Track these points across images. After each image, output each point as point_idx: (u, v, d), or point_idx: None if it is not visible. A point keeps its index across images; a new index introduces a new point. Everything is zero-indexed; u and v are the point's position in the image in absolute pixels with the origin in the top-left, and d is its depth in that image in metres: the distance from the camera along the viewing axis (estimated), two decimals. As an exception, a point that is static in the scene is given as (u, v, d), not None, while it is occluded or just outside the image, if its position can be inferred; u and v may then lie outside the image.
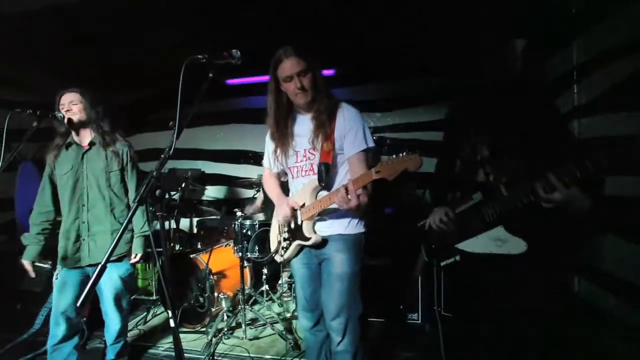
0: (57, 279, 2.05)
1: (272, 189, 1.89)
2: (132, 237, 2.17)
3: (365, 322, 2.70)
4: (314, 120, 1.63)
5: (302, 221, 1.66)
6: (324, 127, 1.60)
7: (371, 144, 1.63)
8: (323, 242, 1.66)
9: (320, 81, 1.62)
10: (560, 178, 1.20)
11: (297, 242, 1.69)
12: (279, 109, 1.70)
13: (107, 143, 2.10)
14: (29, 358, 2.50)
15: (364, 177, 1.43)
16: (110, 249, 0.94)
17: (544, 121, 1.44)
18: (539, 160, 1.34)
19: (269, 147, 1.81)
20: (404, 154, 1.33)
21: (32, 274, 2.07)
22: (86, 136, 2.10)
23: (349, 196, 1.41)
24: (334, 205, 1.53)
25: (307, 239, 1.64)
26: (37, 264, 2.08)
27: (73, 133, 2.08)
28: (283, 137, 1.70)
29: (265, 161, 1.90)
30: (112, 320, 2.20)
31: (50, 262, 2.11)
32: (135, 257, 2.15)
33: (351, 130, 1.60)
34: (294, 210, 1.70)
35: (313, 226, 1.66)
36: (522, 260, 1.40)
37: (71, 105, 2.01)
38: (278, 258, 1.82)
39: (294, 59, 1.57)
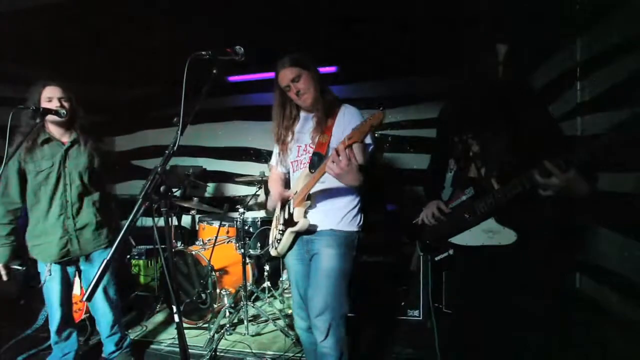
0: (50, 274, 2.04)
1: (274, 186, 1.92)
2: (115, 228, 2.21)
3: (365, 319, 2.71)
4: (314, 118, 1.71)
5: (293, 208, 1.67)
6: (322, 123, 1.67)
7: (368, 141, 1.64)
8: (312, 231, 1.67)
9: (317, 80, 1.69)
10: (556, 162, 1.21)
11: (288, 230, 1.69)
12: (283, 116, 1.80)
13: (87, 139, 2.11)
14: (32, 353, 2.51)
15: (344, 148, 1.37)
16: (115, 245, 0.95)
17: (532, 117, 1.46)
18: (529, 154, 1.36)
19: (275, 148, 1.89)
20: (370, 116, 1.36)
21: (5, 277, 2.00)
22: (68, 132, 2.08)
23: (339, 157, 1.35)
24: (320, 186, 1.57)
25: (295, 224, 1.63)
26: (11, 265, 2.03)
27: (53, 128, 2.04)
28: (286, 136, 1.79)
29: (272, 160, 1.97)
30: (102, 312, 2.21)
31: (19, 262, 2.05)
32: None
33: (351, 124, 1.58)
34: (286, 200, 1.73)
35: (304, 213, 1.66)
36: (513, 250, 1.43)
37: (63, 102, 1.98)
38: (273, 252, 1.83)
39: (287, 69, 1.66)
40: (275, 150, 1.89)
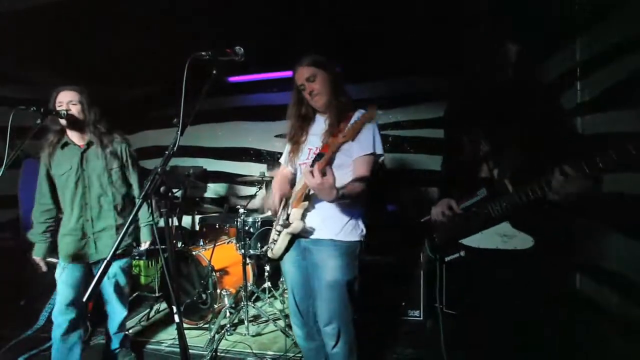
0: (62, 271, 2.08)
1: (276, 181, 1.90)
2: (135, 229, 2.28)
3: (366, 320, 2.71)
4: (327, 121, 1.68)
5: (291, 209, 1.67)
6: (334, 126, 1.64)
7: (379, 151, 1.64)
8: (309, 234, 1.67)
9: (333, 83, 1.67)
10: (579, 167, 1.18)
11: (284, 231, 1.68)
12: (298, 115, 1.77)
13: (104, 144, 2.13)
14: (34, 354, 2.52)
15: (332, 145, 1.44)
16: (116, 244, 0.95)
17: (545, 116, 1.43)
18: (543, 154, 1.34)
19: (286, 147, 1.88)
20: (363, 112, 1.36)
21: (45, 268, 2.13)
22: (83, 136, 2.12)
23: (313, 174, 1.38)
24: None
25: (289, 225, 1.63)
26: (48, 259, 2.14)
27: (69, 132, 2.09)
28: (299, 137, 1.77)
29: (282, 159, 1.96)
30: (116, 311, 2.27)
31: (57, 257, 2.20)
32: (145, 244, 2.29)
33: (361, 133, 1.58)
34: (284, 200, 1.72)
35: (302, 215, 1.64)
36: (529, 255, 1.40)
37: (70, 105, 2.01)
38: (269, 253, 1.82)
39: (304, 68, 1.66)
40: (287, 149, 1.87)
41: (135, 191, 2.27)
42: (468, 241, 1.58)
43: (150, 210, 2.20)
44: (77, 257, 2.08)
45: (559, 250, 1.50)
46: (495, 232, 1.48)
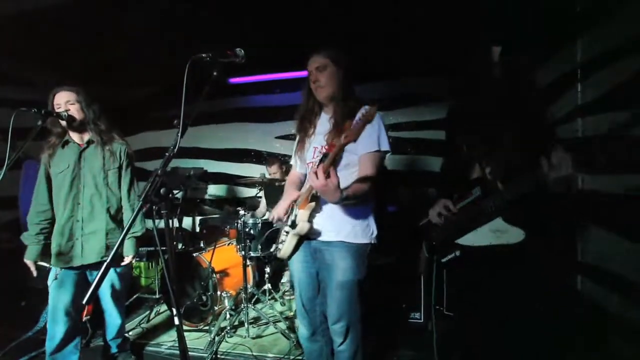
0: (55, 279, 2.03)
1: (289, 189, 1.86)
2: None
3: (367, 321, 2.70)
4: (331, 120, 1.66)
5: (298, 211, 1.66)
6: (339, 125, 1.61)
7: (385, 148, 1.61)
8: (316, 235, 1.66)
9: (341, 81, 1.66)
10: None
11: (291, 232, 1.68)
12: (307, 104, 1.76)
13: (104, 142, 2.11)
14: (33, 355, 2.51)
15: (336, 146, 1.42)
16: (116, 247, 0.95)
17: (536, 116, 1.49)
18: (533, 154, 1.37)
19: (296, 140, 1.85)
20: (363, 111, 1.35)
21: (35, 273, 2.06)
22: (83, 135, 2.10)
23: (317, 176, 1.37)
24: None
25: (296, 226, 1.62)
26: (39, 263, 2.06)
27: (70, 132, 2.08)
28: (305, 132, 1.76)
29: (292, 159, 1.94)
30: (113, 316, 2.25)
31: (49, 260, 2.12)
32: (127, 259, 2.15)
33: (366, 130, 1.56)
34: (290, 205, 1.71)
35: (308, 217, 1.63)
36: (521, 249, 1.43)
37: (68, 105, 2.00)
38: (278, 254, 1.82)
39: (316, 56, 1.67)
40: (295, 142, 1.84)
41: (123, 193, 2.17)
42: (462, 240, 1.61)
43: (134, 220, 2.14)
44: (63, 258, 2.02)
45: (552, 243, 1.53)
46: (489, 229, 1.52)
